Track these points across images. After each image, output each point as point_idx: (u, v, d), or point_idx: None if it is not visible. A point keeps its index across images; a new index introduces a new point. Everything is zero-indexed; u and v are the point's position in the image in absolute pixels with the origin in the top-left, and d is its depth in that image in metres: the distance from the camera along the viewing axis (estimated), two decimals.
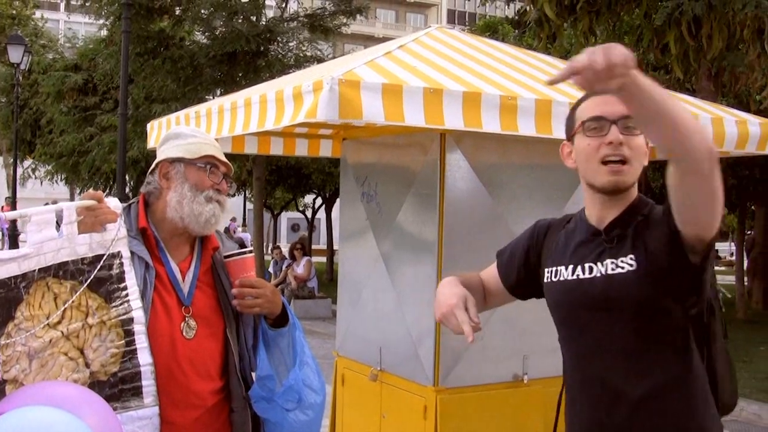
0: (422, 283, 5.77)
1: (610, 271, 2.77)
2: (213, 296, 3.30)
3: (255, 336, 3.36)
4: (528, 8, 12.76)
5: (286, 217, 49.11)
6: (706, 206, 2.55)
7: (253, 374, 3.31)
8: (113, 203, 3.06)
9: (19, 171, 31.99)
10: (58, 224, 2.93)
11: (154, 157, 3.40)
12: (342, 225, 6.84)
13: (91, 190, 3.14)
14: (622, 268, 2.73)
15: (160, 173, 3.28)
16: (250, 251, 3.37)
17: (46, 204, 3.18)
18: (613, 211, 2.83)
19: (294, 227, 51.45)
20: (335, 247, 26.77)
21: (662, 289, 2.67)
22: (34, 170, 34.97)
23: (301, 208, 35.33)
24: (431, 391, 5.62)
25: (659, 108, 2.39)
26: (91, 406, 2.62)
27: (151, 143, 7.64)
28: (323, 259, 31.76)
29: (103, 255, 2.91)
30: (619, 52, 2.23)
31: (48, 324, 2.75)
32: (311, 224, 34.02)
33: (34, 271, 2.77)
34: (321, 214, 33.21)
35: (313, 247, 33.89)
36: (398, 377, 5.95)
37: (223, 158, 3.33)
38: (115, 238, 2.96)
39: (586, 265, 2.83)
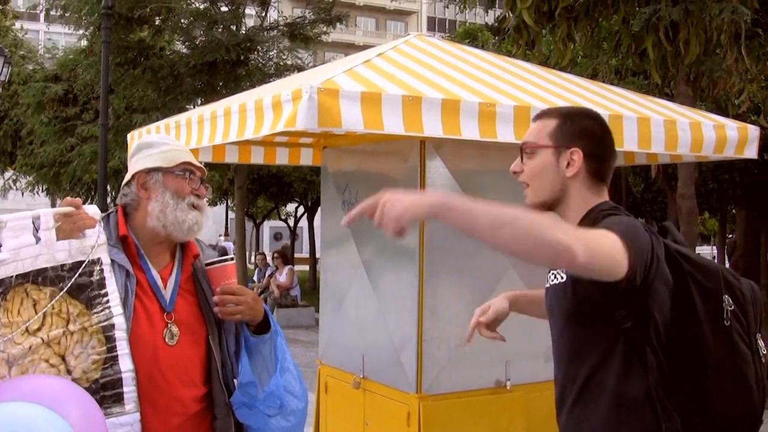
0: (404, 290, 5.78)
1: (552, 281, 2.93)
2: (195, 303, 3.30)
3: (237, 343, 3.36)
4: (507, 15, 12.78)
5: (268, 226, 49.07)
6: (593, 276, 2.56)
7: (236, 381, 3.31)
8: (92, 210, 3.06)
9: (0, 182, 31.82)
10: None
11: None
12: (323, 233, 6.85)
13: (69, 197, 3.14)
14: (559, 279, 2.87)
15: (137, 184, 3.28)
16: (231, 258, 3.38)
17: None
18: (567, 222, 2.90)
19: (276, 236, 51.42)
20: (318, 255, 26.80)
21: (587, 303, 2.72)
22: (15, 181, 34.75)
23: (283, 217, 35.31)
24: (414, 398, 5.63)
25: (480, 234, 2.43)
26: (73, 398, 2.63)
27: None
28: (306, 268, 31.74)
29: (83, 261, 2.90)
30: (395, 210, 2.47)
31: (27, 330, 2.74)
32: (293, 233, 34.01)
33: (12, 277, 2.76)
34: (303, 223, 33.20)
35: (296, 255, 33.87)
36: (381, 384, 5.96)
37: (198, 163, 3.35)
38: (95, 244, 2.96)
39: (550, 274, 2.96)
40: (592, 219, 2.80)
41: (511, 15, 12.44)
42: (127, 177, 3.33)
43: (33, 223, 2.86)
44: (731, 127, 6.25)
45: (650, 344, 2.71)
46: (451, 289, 5.73)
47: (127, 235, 3.21)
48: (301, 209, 31.71)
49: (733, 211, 25.22)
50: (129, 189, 3.30)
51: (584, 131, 2.90)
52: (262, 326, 3.35)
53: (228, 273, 3.31)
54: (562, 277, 2.84)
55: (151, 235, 3.25)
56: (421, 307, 5.65)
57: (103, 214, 3.22)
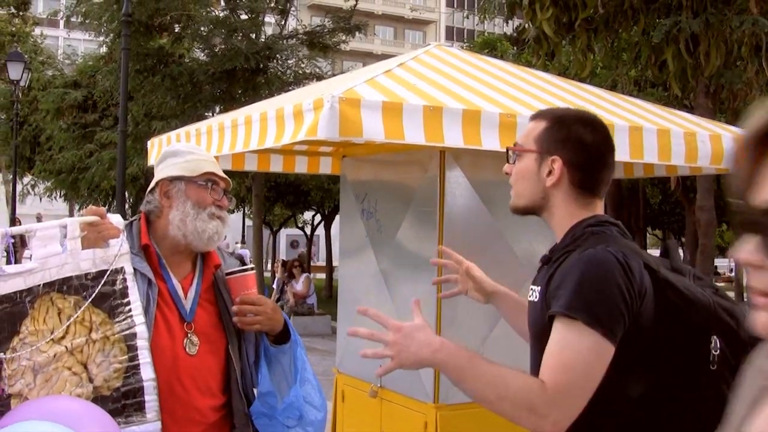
0: (422, 299, 5.76)
1: (529, 297, 2.77)
2: (215, 313, 3.31)
3: (257, 352, 3.36)
4: (526, 26, 12.80)
5: (285, 234, 49.07)
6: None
7: (255, 390, 3.32)
8: (115, 219, 3.08)
9: (19, 187, 31.95)
10: None
11: (154, 174, 3.41)
12: (342, 242, 6.85)
13: (92, 206, 3.16)
14: (534, 297, 2.70)
15: (160, 192, 3.29)
16: (252, 268, 3.39)
17: (37, 218, 3.17)
18: (548, 234, 2.83)
19: (293, 244, 51.36)
20: (334, 263, 26.77)
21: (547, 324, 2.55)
22: (33, 187, 34.90)
23: (300, 225, 35.31)
24: (431, 407, 5.62)
25: (464, 388, 2.54)
26: (93, 420, 2.63)
27: (151, 160, 7.66)
28: (323, 276, 31.73)
29: (107, 270, 2.92)
30: (400, 359, 2.64)
31: (52, 339, 2.76)
32: (310, 241, 34.01)
33: (39, 285, 2.78)
34: (320, 231, 33.20)
35: (313, 263, 33.87)
36: (398, 394, 5.95)
37: (222, 174, 3.35)
38: (118, 253, 2.97)
39: (530, 289, 2.80)
40: (576, 236, 2.63)
41: (530, 26, 12.46)
42: (152, 184, 3.34)
43: (60, 232, 2.88)
44: None
45: (623, 376, 2.50)
46: (470, 299, 5.72)
47: (149, 245, 3.23)
48: (318, 217, 31.73)
49: None
50: (152, 196, 3.32)
51: (569, 139, 2.69)
52: (282, 336, 3.35)
53: (248, 283, 3.31)
54: (536, 296, 2.68)
55: (172, 244, 3.26)
56: (440, 317, 5.64)
57: (127, 222, 3.23)
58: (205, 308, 3.30)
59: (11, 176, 30.72)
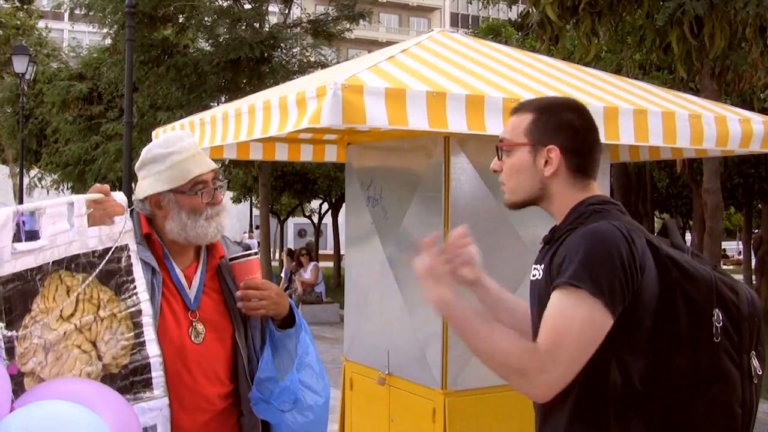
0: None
1: (532, 276, 2.77)
2: (220, 301, 3.31)
3: (263, 338, 3.36)
4: (530, 11, 12.78)
5: (292, 223, 49.12)
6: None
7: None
8: (119, 197, 3.06)
9: (26, 180, 31.98)
10: None
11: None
12: (348, 229, 6.85)
13: (97, 184, 3.13)
14: (537, 274, 2.72)
15: (151, 203, 3.24)
16: (255, 253, 3.39)
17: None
18: (552, 219, 2.82)
19: (301, 233, 51.44)
20: (342, 251, 26.79)
21: None
22: (40, 179, 34.91)
23: (307, 214, 35.32)
24: (439, 394, 5.63)
25: (463, 337, 2.65)
26: (107, 402, 2.64)
27: None
28: (330, 264, 31.75)
29: (112, 248, 2.92)
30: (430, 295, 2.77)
31: (62, 316, 2.76)
32: (318, 229, 34.02)
33: (48, 263, 2.78)
34: (327, 219, 33.22)
35: (321, 252, 33.89)
36: (406, 381, 5.96)
37: (207, 166, 3.27)
38: (123, 230, 2.97)
39: (532, 267, 2.80)
40: (579, 213, 2.66)
41: (534, 11, 12.44)
42: (139, 195, 3.27)
43: (67, 209, 2.89)
44: (757, 121, 6.21)
45: (624, 353, 2.52)
46: None
47: (150, 233, 3.23)
48: (325, 206, 31.73)
49: (759, 206, 25.07)
50: (143, 205, 3.27)
51: (561, 126, 2.71)
52: (288, 321, 3.35)
53: (252, 268, 3.31)
54: (539, 274, 2.70)
55: (174, 239, 3.26)
56: None
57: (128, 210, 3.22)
58: (210, 296, 3.30)
59: (18, 169, 30.78)
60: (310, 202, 33.52)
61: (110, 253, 2.91)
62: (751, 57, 11.31)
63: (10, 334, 2.64)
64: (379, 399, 6.19)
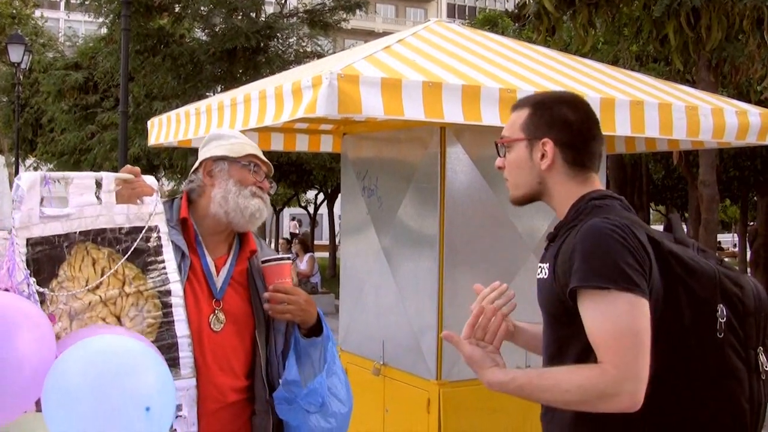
0: (424, 276, 5.78)
1: (538, 274, 2.78)
2: (245, 297, 3.37)
3: (286, 342, 3.39)
4: (527, 1, 12.74)
5: (288, 213, 49.11)
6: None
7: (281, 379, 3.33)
8: (149, 180, 3.09)
9: (21, 170, 31.96)
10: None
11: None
12: (343, 220, 6.86)
13: (128, 165, 3.20)
14: (543, 274, 2.73)
15: (204, 171, 3.38)
16: (288, 258, 3.44)
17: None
18: (549, 211, 2.85)
19: (295, 220, 51.47)
20: (338, 242, 26.79)
21: (565, 300, 2.57)
22: (36, 169, 34.86)
23: (303, 204, 35.31)
24: (434, 384, 5.63)
25: (533, 400, 2.69)
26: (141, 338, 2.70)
27: (151, 140, 7.66)
28: (326, 255, 31.76)
29: (142, 227, 2.93)
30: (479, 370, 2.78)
31: (87, 288, 2.77)
32: (313, 220, 34.01)
33: (75, 233, 2.79)
34: (323, 210, 33.22)
35: (316, 242, 33.89)
36: (401, 371, 5.96)
37: (264, 159, 3.43)
38: (153, 212, 2.99)
39: (538, 266, 2.82)
40: (580, 209, 2.67)
41: (531, 1, 12.41)
42: (196, 164, 3.43)
43: (95, 183, 2.90)
44: (753, 113, 6.21)
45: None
46: (472, 276, 5.71)
47: (187, 218, 3.30)
48: (321, 196, 31.73)
49: (755, 198, 25.06)
50: (195, 176, 3.42)
51: (555, 120, 2.75)
52: (314, 330, 3.39)
53: (283, 272, 3.36)
54: (545, 273, 2.71)
55: (213, 223, 3.33)
56: (441, 294, 5.65)
57: (166, 199, 3.31)
58: (236, 290, 3.35)
59: (14, 159, 30.76)
60: (305, 193, 33.50)
61: (143, 231, 2.92)
62: (747, 49, 11.28)
63: (42, 290, 2.67)
64: (374, 389, 6.20)
